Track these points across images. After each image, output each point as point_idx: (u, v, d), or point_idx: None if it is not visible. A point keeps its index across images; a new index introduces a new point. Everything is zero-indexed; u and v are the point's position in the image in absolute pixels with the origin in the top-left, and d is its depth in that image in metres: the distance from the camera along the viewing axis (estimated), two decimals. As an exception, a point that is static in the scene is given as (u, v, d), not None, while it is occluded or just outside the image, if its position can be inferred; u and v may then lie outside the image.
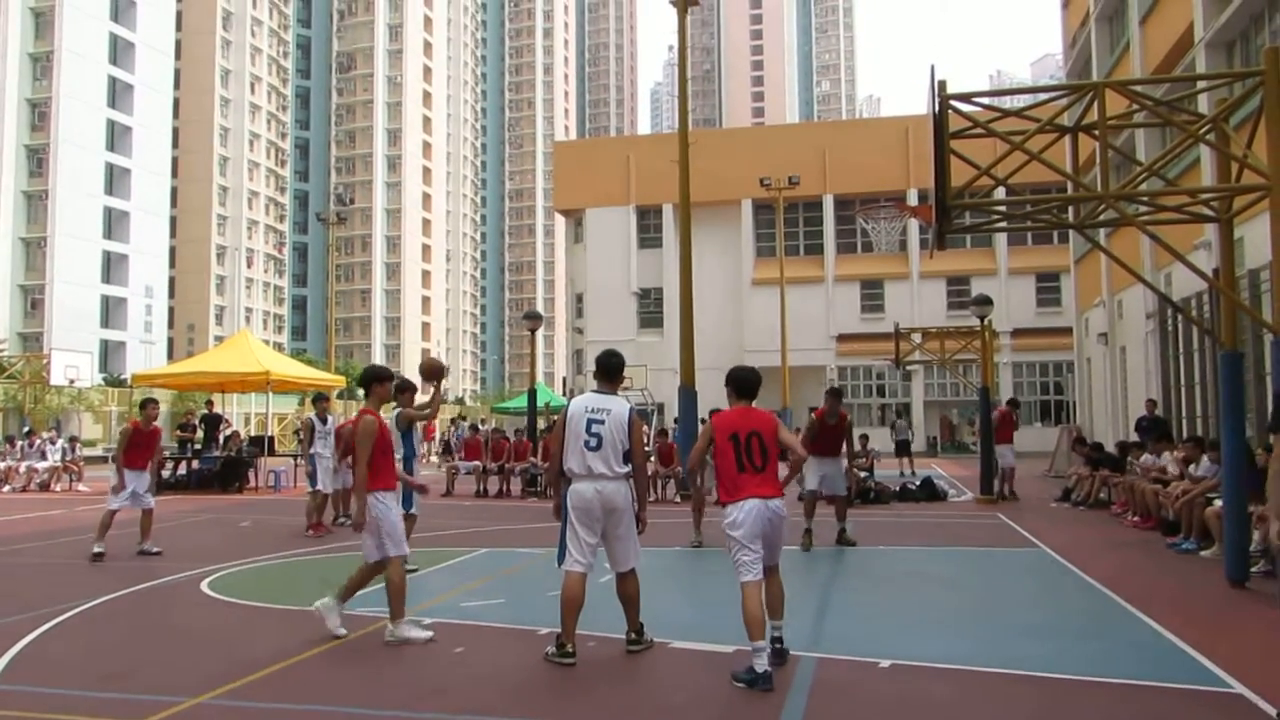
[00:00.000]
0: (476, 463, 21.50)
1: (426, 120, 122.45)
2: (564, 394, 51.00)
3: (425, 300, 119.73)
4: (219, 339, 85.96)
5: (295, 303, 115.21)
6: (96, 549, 10.98)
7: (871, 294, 48.46)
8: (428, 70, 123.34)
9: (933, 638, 6.92)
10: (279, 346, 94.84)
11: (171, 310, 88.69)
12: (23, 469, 24.02)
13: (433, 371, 8.92)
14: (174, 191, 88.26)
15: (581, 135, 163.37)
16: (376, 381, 7.27)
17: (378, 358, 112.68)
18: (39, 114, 70.24)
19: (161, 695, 5.53)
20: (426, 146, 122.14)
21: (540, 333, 51.42)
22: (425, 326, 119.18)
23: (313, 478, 13.74)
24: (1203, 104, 17.06)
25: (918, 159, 43.38)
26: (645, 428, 26.42)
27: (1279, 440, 8.59)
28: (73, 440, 25.70)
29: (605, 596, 7.16)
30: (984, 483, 18.47)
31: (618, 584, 6.51)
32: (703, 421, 11.61)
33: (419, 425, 10.40)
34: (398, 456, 10.36)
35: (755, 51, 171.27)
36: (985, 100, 10.14)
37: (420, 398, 10.86)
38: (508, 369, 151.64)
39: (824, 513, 12.89)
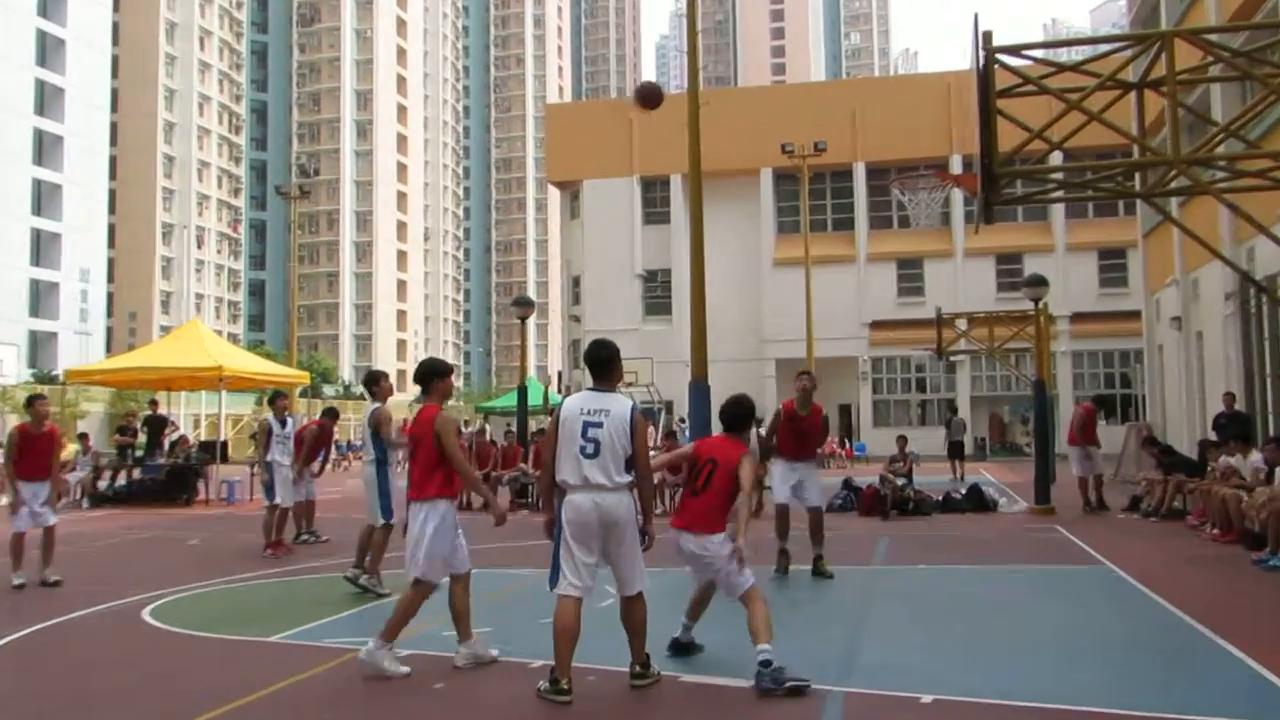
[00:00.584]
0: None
1: (401, 80, 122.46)
2: (559, 391, 51.00)
3: (400, 285, 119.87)
4: (165, 329, 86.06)
5: (252, 288, 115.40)
6: (16, 581, 10.90)
7: (909, 275, 48.39)
8: (401, 23, 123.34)
9: (980, 669, 6.88)
10: (234, 338, 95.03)
11: (111, 297, 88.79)
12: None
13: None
14: (113, 162, 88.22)
15: (577, 97, 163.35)
16: (436, 376, 7.31)
17: (346, 350, 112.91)
18: (-42, 75, 70.30)
19: (95, 741, 5.50)
20: (401, 110, 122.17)
21: (531, 321, 51.54)
22: (401, 315, 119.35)
23: (270, 489, 13.69)
24: (1289, 54, 16.95)
25: (961, 121, 43.26)
26: (651, 429, 26.47)
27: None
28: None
29: (606, 623, 7.15)
30: (1039, 490, 18.40)
31: (622, 609, 6.47)
32: (775, 415, 11.28)
33: (395, 426, 10.39)
34: (368, 459, 10.41)
35: (775, 0, 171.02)
36: (1038, 53, 10.07)
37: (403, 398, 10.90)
38: (494, 362, 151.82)
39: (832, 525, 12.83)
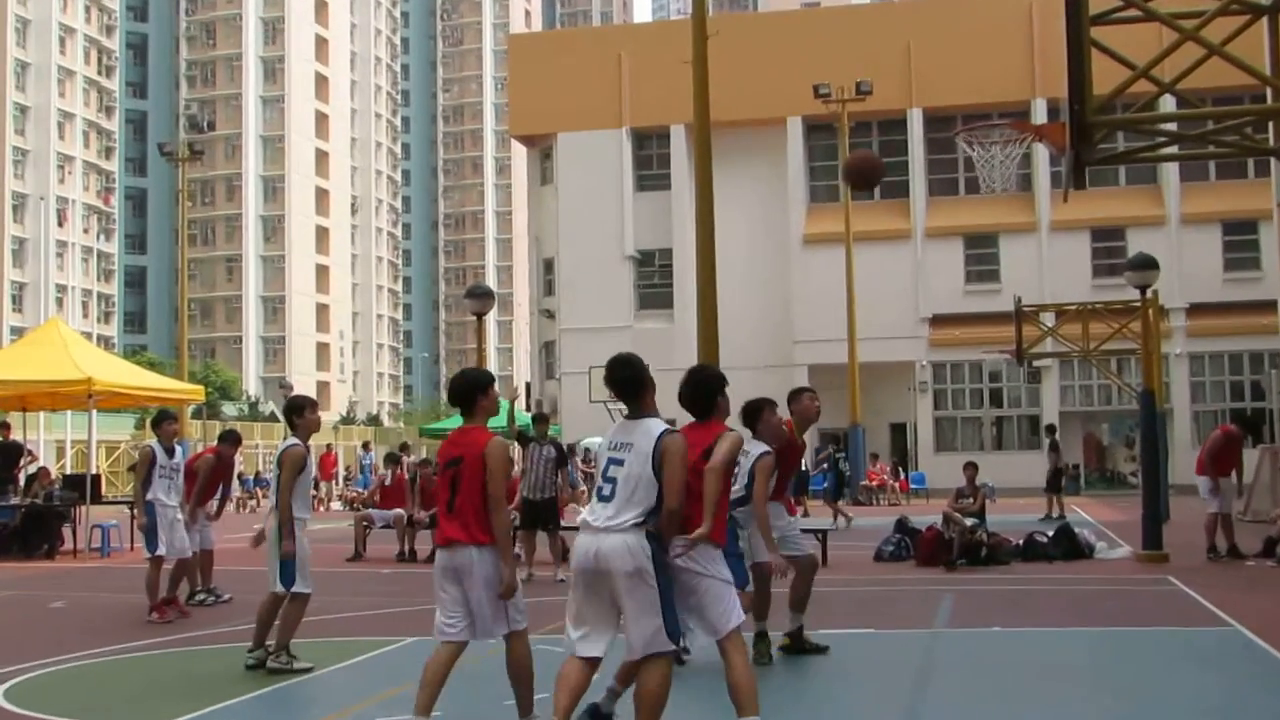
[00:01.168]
0: (399, 511, 21.46)
1: (321, 5, 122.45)
2: (528, 408, 50.97)
3: (321, 271, 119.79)
4: (18, 331, 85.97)
5: (130, 277, 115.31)
6: None
7: (980, 255, 48.48)
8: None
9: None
10: (106, 342, 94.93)
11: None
12: None
13: None
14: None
15: (550, 26, 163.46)
16: (480, 391, 7.56)
17: (252, 357, 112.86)
18: None
19: None
20: (321, 44, 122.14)
21: (491, 318, 51.15)
22: (322, 310, 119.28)
23: (150, 536, 13.68)
24: None
25: (1045, 55, 43.37)
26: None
27: None
28: None
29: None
30: (1148, 531, 18.45)
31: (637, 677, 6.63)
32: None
33: (311, 454, 10.44)
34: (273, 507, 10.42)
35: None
36: (1143, -33, 10.16)
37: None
38: (444, 371, 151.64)
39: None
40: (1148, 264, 20.15)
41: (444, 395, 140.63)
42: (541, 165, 54.78)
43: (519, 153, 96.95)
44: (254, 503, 43.06)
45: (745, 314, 43.09)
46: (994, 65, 46.27)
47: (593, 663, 6.56)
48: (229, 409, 77.56)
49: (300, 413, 10.45)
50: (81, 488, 24.50)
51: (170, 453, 13.94)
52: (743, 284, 43.80)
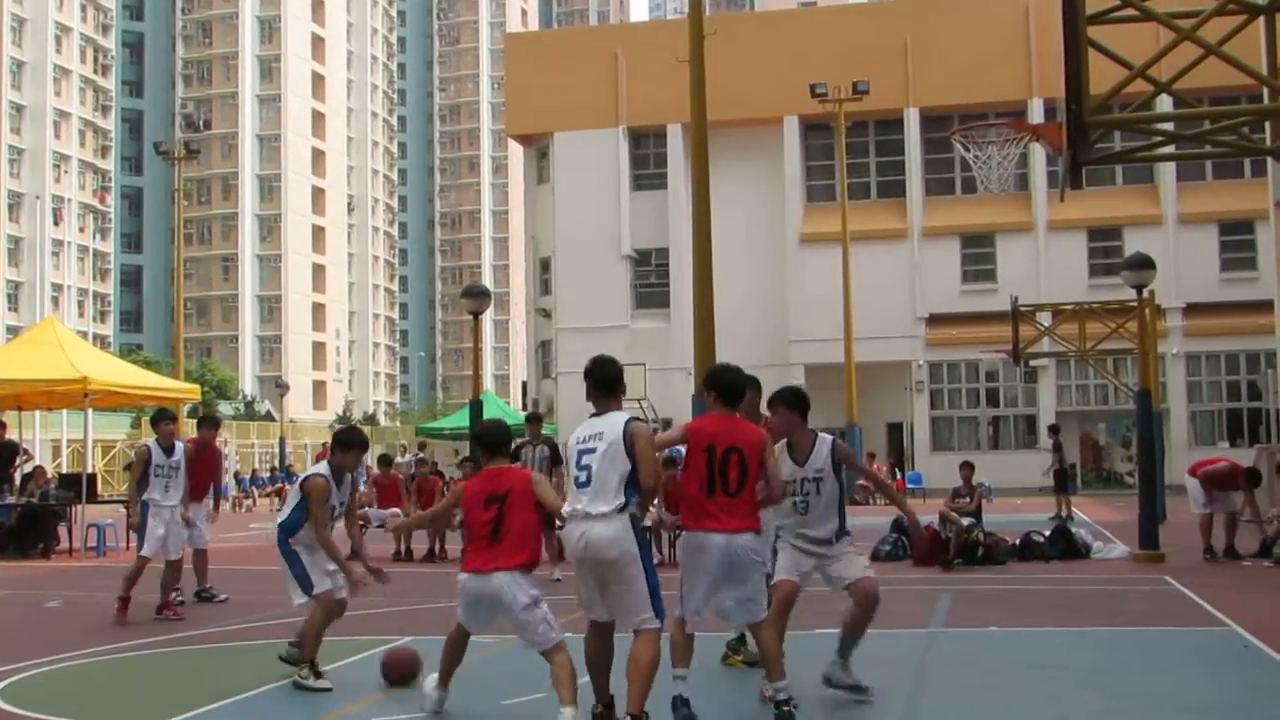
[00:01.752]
0: (395, 510, 21.48)
1: (317, 4, 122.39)
2: (523, 407, 50.97)
3: (318, 270, 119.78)
4: (13, 331, 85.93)
5: (125, 276, 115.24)
6: None
7: (977, 255, 48.53)
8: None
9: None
10: (102, 341, 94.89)
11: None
12: None
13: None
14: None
15: (547, 25, 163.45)
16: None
17: (248, 356, 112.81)
18: None
19: None
20: (317, 43, 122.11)
21: (488, 317, 51.23)
22: (318, 310, 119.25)
23: (140, 535, 13.65)
24: None
25: (1042, 55, 43.38)
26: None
27: None
28: None
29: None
30: (1145, 531, 18.47)
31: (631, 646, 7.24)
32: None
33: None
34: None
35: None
36: (1141, -33, 10.17)
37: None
38: (440, 371, 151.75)
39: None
40: (1144, 264, 20.15)
41: (441, 394, 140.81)
42: (538, 164, 54.78)
43: (516, 152, 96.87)
44: (250, 502, 43.00)
45: (742, 313, 43.04)
46: (991, 65, 46.31)
47: (608, 626, 7.35)
48: (225, 408, 77.52)
49: (351, 447, 9.94)
50: (77, 487, 24.49)
51: (168, 452, 13.92)
52: (739, 283, 43.76)
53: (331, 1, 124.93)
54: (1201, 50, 9.50)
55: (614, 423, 7.26)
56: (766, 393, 8.93)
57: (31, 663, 10.73)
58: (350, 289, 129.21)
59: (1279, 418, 39.48)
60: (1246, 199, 43.87)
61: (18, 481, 24.00)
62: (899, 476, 42.20)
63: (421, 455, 32.98)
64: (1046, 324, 31.09)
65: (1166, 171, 46.28)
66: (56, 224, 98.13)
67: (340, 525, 9.84)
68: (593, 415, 7.43)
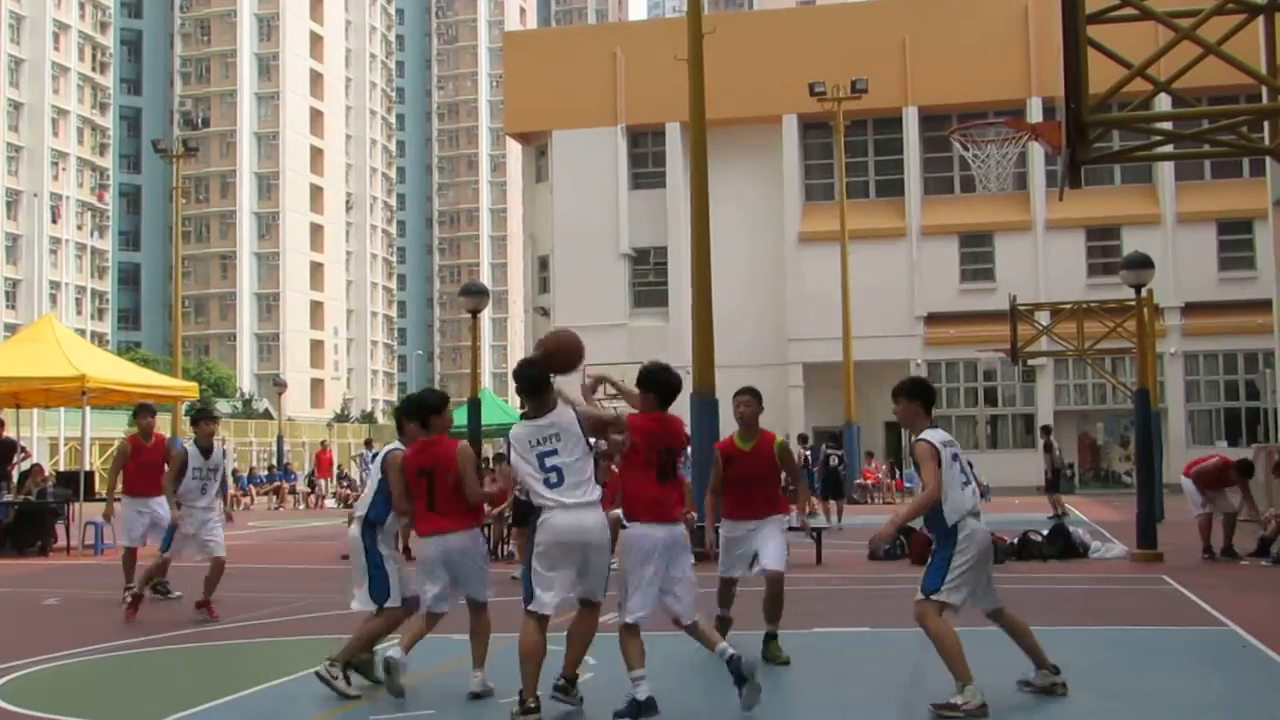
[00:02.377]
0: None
1: (315, 1, 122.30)
2: (520, 405, 50.97)
3: (315, 269, 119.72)
4: (11, 328, 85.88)
5: (123, 274, 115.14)
6: None
7: (976, 254, 48.53)
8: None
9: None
10: (100, 338, 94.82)
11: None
12: None
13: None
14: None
15: (545, 23, 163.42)
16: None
17: (246, 354, 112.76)
18: None
19: None
20: (316, 40, 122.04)
21: (486, 315, 51.02)
22: (316, 308, 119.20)
23: (167, 535, 13.48)
24: None
25: (1042, 54, 43.39)
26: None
27: None
28: None
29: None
30: (1142, 530, 18.48)
31: (576, 617, 7.89)
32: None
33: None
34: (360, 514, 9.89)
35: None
36: (1140, -34, 10.17)
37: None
38: (438, 369, 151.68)
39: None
40: (1143, 263, 20.14)
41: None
42: (536, 163, 54.76)
43: (514, 150, 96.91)
44: (248, 500, 42.90)
45: (740, 312, 43.03)
46: (990, 64, 46.33)
47: (547, 620, 7.61)
48: (223, 406, 77.49)
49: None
50: (75, 485, 24.50)
51: (206, 453, 13.41)
52: (738, 282, 43.74)
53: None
54: (1200, 49, 9.50)
55: (564, 416, 7.64)
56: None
57: (29, 660, 10.71)
58: (348, 287, 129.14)
59: (1277, 417, 39.45)
60: (1245, 198, 43.94)
61: (15, 479, 24.02)
62: (897, 476, 42.24)
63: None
64: (1045, 323, 31.10)
65: (1165, 171, 46.32)
66: (54, 221, 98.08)
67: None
68: (526, 416, 7.81)
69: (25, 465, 25.18)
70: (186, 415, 44.15)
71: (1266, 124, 11.21)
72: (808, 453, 31.36)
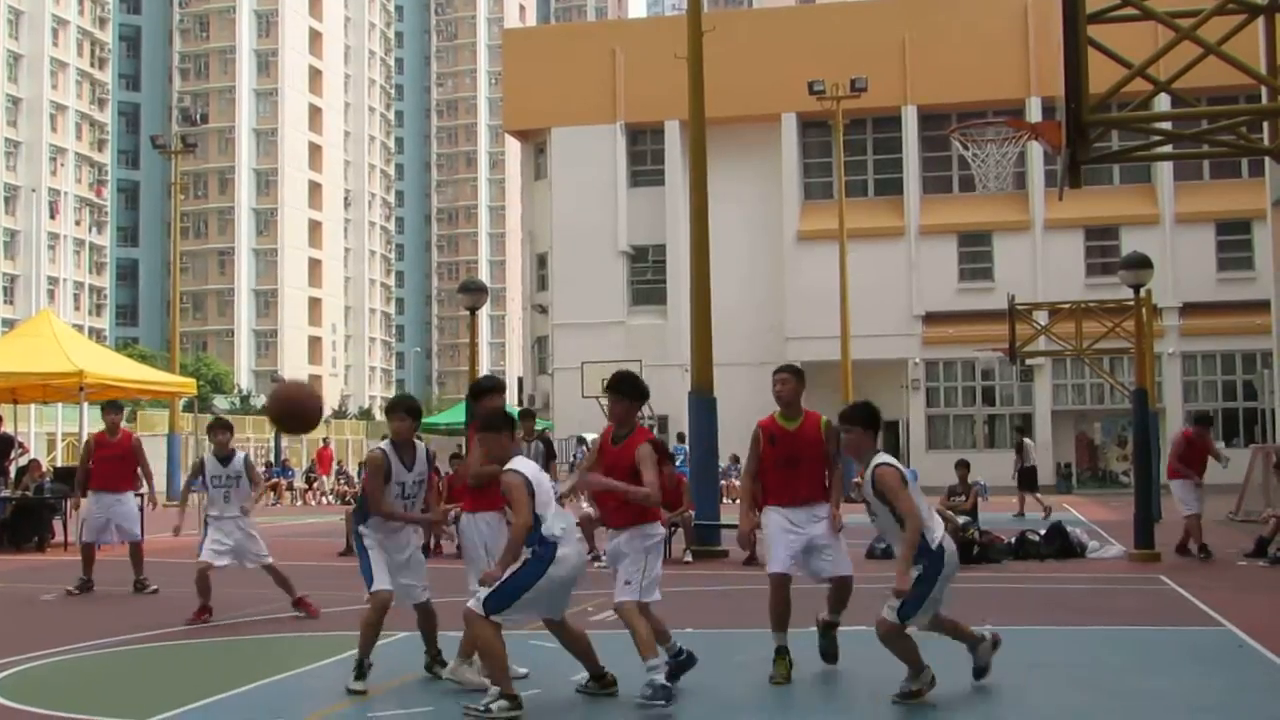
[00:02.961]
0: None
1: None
2: (519, 402, 50.88)
3: (314, 265, 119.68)
4: (9, 324, 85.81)
5: (121, 270, 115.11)
6: None
7: (974, 253, 48.53)
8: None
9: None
10: (98, 334, 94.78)
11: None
12: None
13: None
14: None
15: (544, 21, 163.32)
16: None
17: (244, 350, 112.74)
18: None
19: None
20: (315, 37, 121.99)
21: (484, 312, 50.97)
22: (314, 304, 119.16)
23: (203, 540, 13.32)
24: None
25: (1042, 53, 43.39)
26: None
27: None
28: None
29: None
30: (1140, 530, 18.47)
31: (567, 628, 8.27)
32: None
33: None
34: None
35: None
36: (1140, -34, 10.17)
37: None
38: (436, 366, 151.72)
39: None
40: (1141, 263, 20.14)
41: (436, 390, 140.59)
42: (535, 160, 54.76)
43: (513, 147, 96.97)
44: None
45: (739, 310, 43.02)
46: (989, 63, 46.32)
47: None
48: (220, 402, 77.50)
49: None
50: (72, 480, 24.47)
51: (224, 462, 13.19)
52: (736, 280, 43.77)
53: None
54: (1200, 49, 9.50)
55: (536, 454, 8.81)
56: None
57: (26, 656, 10.72)
58: (346, 284, 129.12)
59: (1275, 417, 39.45)
60: (1244, 199, 43.96)
61: (13, 475, 24.00)
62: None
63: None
64: (1043, 323, 31.12)
65: (1164, 171, 46.33)
66: (53, 217, 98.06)
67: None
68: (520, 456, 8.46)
69: (23, 461, 25.15)
70: (185, 412, 44.28)
71: (1266, 124, 11.21)
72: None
